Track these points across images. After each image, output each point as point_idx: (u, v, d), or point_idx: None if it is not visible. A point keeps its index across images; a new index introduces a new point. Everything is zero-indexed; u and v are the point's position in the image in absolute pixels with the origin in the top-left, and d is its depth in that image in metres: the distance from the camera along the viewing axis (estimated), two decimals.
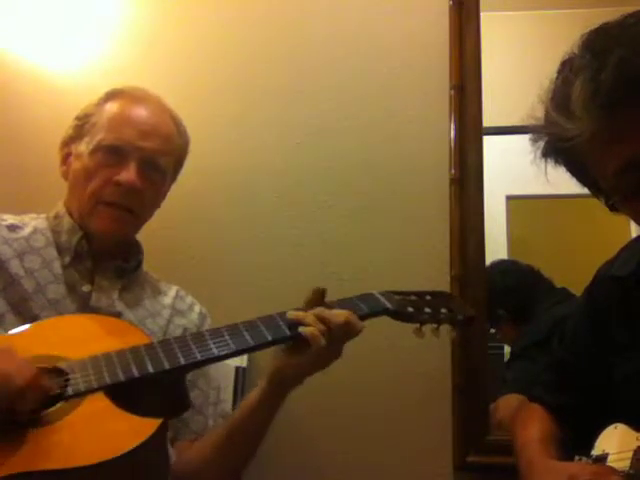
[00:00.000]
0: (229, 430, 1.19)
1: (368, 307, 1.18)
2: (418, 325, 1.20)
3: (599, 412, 1.08)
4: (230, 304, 1.60)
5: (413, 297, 1.24)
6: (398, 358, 1.57)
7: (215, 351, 1.07)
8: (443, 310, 1.23)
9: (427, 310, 1.22)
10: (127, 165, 1.25)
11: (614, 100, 0.84)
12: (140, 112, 1.30)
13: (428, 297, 1.26)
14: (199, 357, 1.06)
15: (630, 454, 0.93)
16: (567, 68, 0.92)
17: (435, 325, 1.21)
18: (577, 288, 1.33)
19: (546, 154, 0.96)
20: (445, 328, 1.24)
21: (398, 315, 1.20)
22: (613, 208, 0.96)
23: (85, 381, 0.98)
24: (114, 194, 1.25)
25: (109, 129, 1.27)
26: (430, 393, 1.57)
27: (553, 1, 1.87)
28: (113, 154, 1.26)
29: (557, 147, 0.94)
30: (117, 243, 1.31)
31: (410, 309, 1.21)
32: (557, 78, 0.94)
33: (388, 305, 1.19)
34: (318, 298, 1.14)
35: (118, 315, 1.24)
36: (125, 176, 1.24)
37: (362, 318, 1.16)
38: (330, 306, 1.14)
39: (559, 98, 0.92)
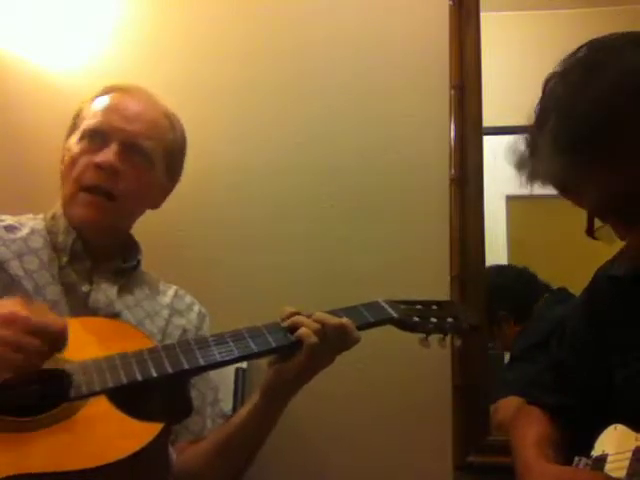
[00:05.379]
0: (227, 436, 1.19)
1: (373, 316, 1.17)
2: (424, 335, 1.20)
3: (598, 412, 1.08)
4: (230, 304, 1.60)
5: (419, 306, 1.23)
6: (398, 358, 1.57)
7: (218, 357, 1.07)
8: (449, 320, 1.22)
9: (433, 320, 1.21)
10: (108, 148, 1.25)
11: (576, 148, 0.87)
12: (126, 101, 1.30)
13: (434, 307, 1.25)
14: (202, 362, 1.05)
15: (629, 454, 0.93)
16: (546, 97, 0.95)
17: (442, 335, 1.21)
18: (576, 288, 1.33)
19: (531, 181, 1.01)
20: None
21: (404, 324, 1.20)
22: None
23: (88, 384, 0.98)
24: (93, 177, 1.24)
25: (94, 116, 1.28)
26: (430, 393, 1.57)
27: (553, 1, 1.87)
28: (96, 139, 1.25)
29: (536, 181, 0.99)
30: (113, 242, 1.31)
31: (416, 318, 1.20)
32: (538, 105, 0.96)
33: (394, 314, 1.19)
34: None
35: (117, 315, 1.24)
36: (102, 156, 1.23)
37: (367, 326, 1.16)
38: (334, 314, 1.14)
39: (530, 140, 0.97)
